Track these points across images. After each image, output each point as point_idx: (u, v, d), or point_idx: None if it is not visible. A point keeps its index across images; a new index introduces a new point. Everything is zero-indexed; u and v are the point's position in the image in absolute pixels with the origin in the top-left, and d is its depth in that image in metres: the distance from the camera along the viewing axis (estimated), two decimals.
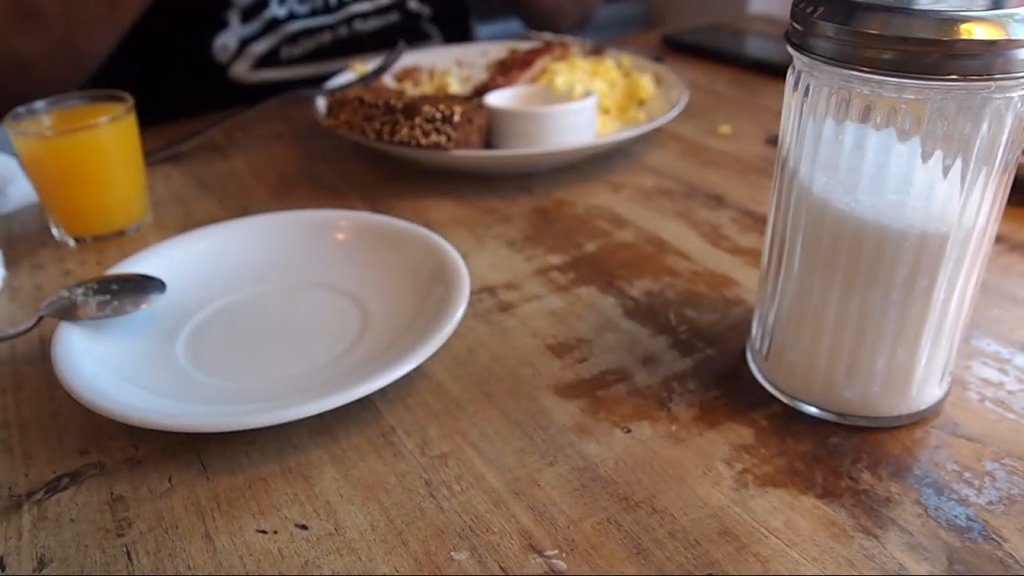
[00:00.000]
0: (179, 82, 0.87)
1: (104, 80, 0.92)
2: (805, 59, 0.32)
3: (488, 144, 0.67)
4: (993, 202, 0.33)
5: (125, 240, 0.58)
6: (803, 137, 0.34)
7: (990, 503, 0.33)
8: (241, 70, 0.89)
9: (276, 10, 0.88)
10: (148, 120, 0.66)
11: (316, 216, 0.53)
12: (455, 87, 0.77)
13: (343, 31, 0.92)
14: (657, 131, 0.73)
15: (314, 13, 0.90)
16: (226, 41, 0.87)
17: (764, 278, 0.39)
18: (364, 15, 0.94)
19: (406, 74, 0.81)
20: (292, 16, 0.89)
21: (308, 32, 0.90)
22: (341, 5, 0.92)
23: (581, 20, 1.05)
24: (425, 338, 0.39)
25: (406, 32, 0.97)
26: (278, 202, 0.63)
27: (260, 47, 0.89)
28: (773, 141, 0.71)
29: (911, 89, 0.30)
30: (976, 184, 0.32)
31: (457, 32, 1.05)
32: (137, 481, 0.36)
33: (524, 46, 0.84)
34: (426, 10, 1.00)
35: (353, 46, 0.93)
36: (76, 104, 0.59)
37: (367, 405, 0.40)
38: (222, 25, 0.86)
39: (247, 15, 0.87)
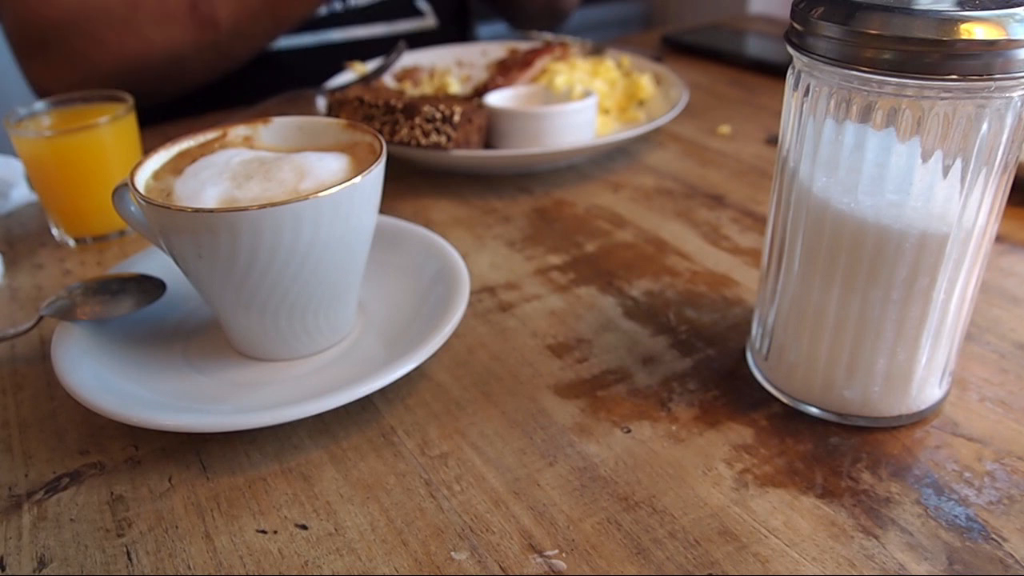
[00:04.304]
0: None
1: None
2: (805, 59, 0.32)
3: (488, 144, 0.67)
4: (993, 202, 0.33)
5: (125, 240, 0.58)
6: (803, 137, 0.34)
7: (990, 503, 0.33)
8: None
9: None
10: (148, 120, 0.66)
11: None
12: (455, 87, 0.77)
13: (337, 5, 0.92)
14: (657, 131, 0.73)
15: None
16: None
17: (764, 278, 0.39)
18: None
19: (406, 74, 0.81)
20: None
21: None
22: None
23: (550, 9, 1.04)
24: (425, 338, 0.39)
25: (400, 7, 0.97)
26: None
27: None
28: (773, 141, 0.71)
29: (911, 89, 0.30)
30: (976, 184, 0.32)
31: (453, 21, 1.04)
32: (137, 481, 0.36)
33: (524, 46, 0.84)
34: None
35: (348, 19, 0.93)
36: (76, 104, 0.59)
37: (367, 405, 0.40)
38: None
39: None
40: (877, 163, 0.32)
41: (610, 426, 0.38)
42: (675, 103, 0.70)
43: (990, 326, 0.44)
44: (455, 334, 0.45)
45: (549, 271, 0.52)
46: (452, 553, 0.32)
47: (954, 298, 0.34)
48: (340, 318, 0.43)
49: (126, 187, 0.40)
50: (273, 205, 0.35)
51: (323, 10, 0.91)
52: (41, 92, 0.77)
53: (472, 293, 0.49)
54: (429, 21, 1.01)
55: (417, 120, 0.61)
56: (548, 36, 0.87)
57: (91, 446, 0.38)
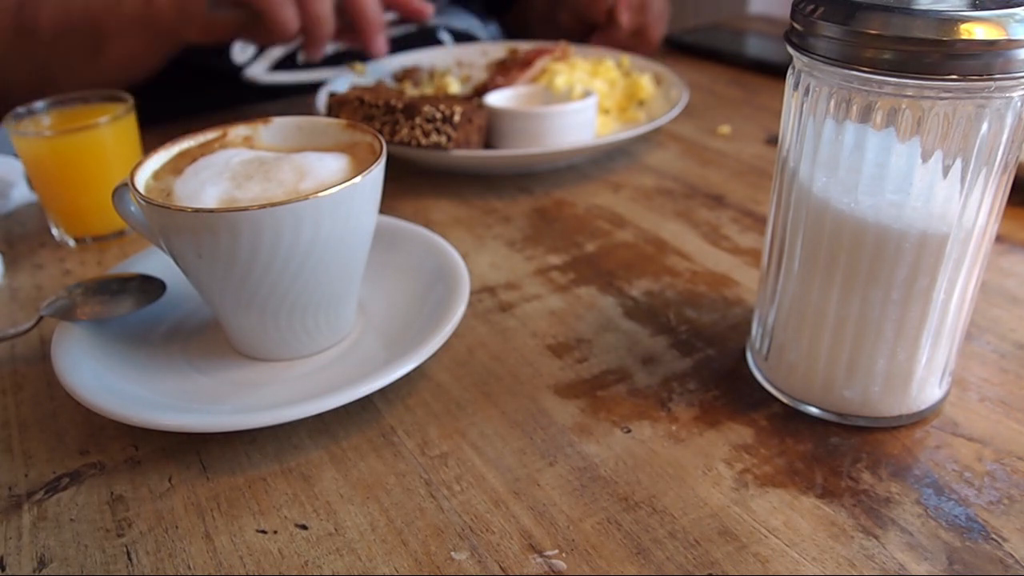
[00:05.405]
0: (194, 81, 0.87)
1: None
2: (805, 59, 0.32)
3: (488, 144, 0.67)
4: (993, 202, 0.33)
5: (125, 240, 0.58)
6: (803, 137, 0.34)
7: (990, 503, 0.33)
8: (258, 72, 0.88)
9: None
10: (149, 120, 0.66)
11: None
12: (455, 87, 0.77)
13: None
14: (657, 131, 0.73)
15: None
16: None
17: (764, 278, 0.39)
18: None
19: (406, 74, 0.81)
20: None
21: None
22: None
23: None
24: (425, 338, 0.39)
25: (422, 41, 0.97)
26: None
27: (278, 50, 0.88)
28: (773, 141, 0.71)
29: (911, 89, 0.30)
30: (976, 184, 0.32)
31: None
32: (137, 481, 0.36)
33: (524, 46, 0.84)
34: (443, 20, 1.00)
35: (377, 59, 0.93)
36: (76, 104, 0.59)
37: (367, 405, 0.40)
38: None
39: None
40: (877, 163, 0.32)
41: (610, 426, 0.38)
42: (675, 103, 0.70)
43: (990, 326, 0.44)
44: (455, 334, 0.45)
45: (549, 271, 0.52)
46: (452, 553, 0.32)
47: (954, 298, 0.34)
48: (340, 318, 0.43)
49: (126, 187, 0.40)
50: (273, 205, 0.35)
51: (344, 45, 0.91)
52: None
53: (472, 293, 0.49)
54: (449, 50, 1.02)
55: (417, 120, 0.61)
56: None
57: (91, 446, 0.38)
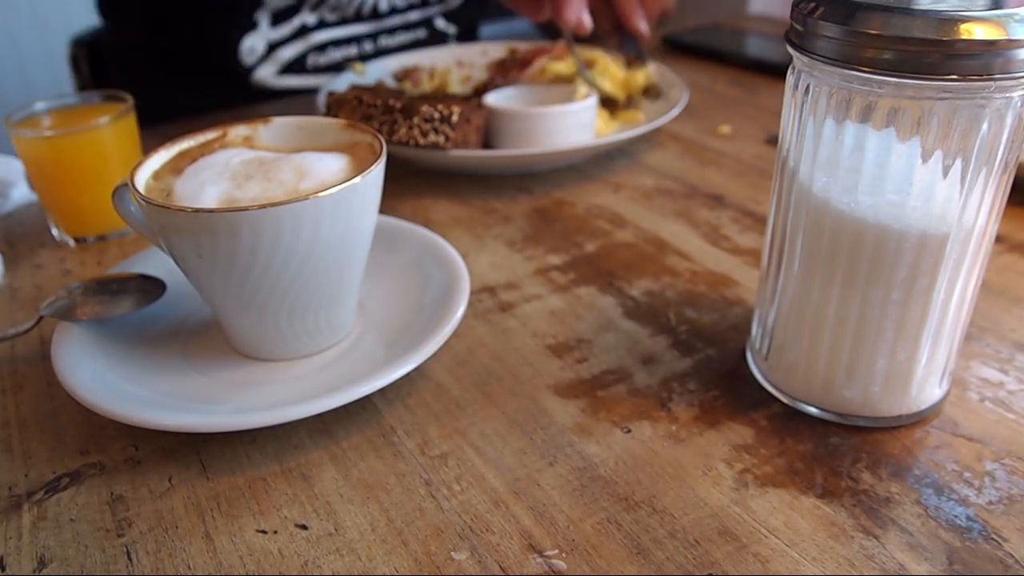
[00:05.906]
0: (201, 82, 0.86)
1: (126, 76, 0.92)
2: (805, 59, 0.32)
3: (487, 144, 0.67)
4: (993, 202, 0.33)
5: (125, 240, 0.58)
6: (803, 137, 0.34)
7: (990, 503, 0.33)
8: (267, 75, 0.88)
9: (307, 17, 0.87)
10: (149, 120, 0.66)
11: None
12: (455, 87, 0.77)
13: (368, 46, 0.93)
14: (657, 131, 0.73)
15: (344, 22, 0.90)
16: (254, 44, 0.87)
17: (764, 278, 0.39)
18: (391, 30, 0.94)
19: (406, 74, 0.81)
20: (322, 24, 0.89)
21: (336, 43, 0.90)
22: (374, 16, 0.92)
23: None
24: (425, 338, 0.39)
25: (432, 42, 0.97)
26: None
27: (288, 53, 0.88)
28: (773, 141, 0.71)
29: (911, 89, 0.30)
30: (976, 184, 0.32)
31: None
32: (137, 481, 0.36)
33: (524, 46, 0.84)
34: (452, 28, 1.00)
35: (379, 59, 0.93)
36: (76, 104, 0.59)
37: (367, 405, 0.40)
38: (252, 26, 0.86)
39: (277, 19, 0.87)
40: (877, 163, 0.32)
41: (610, 426, 0.38)
42: (675, 103, 0.70)
43: (990, 326, 0.44)
44: (455, 334, 0.45)
45: (549, 271, 0.52)
46: (452, 553, 0.32)
47: (954, 298, 0.34)
48: (340, 318, 0.43)
49: (126, 187, 0.40)
50: (273, 205, 0.35)
51: (353, 51, 0.91)
52: None
53: (472, 293, 0.49)
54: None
55: (415, 120, 0.61)
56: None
57: (91, 446, 0.38)
